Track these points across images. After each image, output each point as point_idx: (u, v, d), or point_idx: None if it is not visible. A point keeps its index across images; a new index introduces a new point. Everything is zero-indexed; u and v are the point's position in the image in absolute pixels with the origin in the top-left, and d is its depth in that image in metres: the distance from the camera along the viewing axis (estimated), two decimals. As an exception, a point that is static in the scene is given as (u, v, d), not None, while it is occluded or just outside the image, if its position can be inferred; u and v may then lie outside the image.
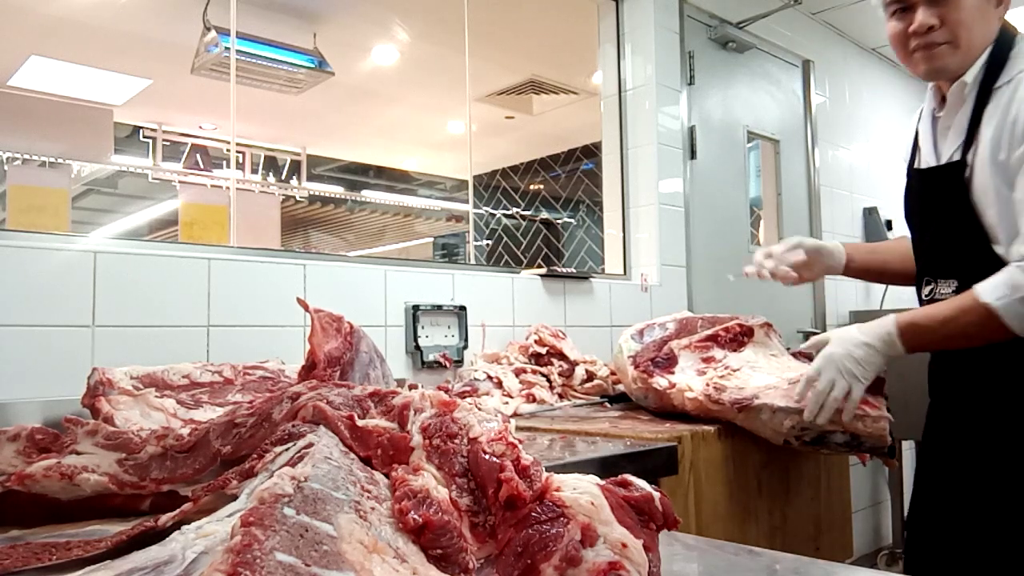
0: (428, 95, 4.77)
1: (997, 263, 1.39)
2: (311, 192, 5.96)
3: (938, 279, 1.53)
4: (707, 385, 1.63)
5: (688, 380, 1.70)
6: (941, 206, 1.51)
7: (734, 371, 1.71)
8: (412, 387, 0.83)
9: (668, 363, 1.76)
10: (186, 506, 0.67)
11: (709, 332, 1.83)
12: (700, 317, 1.91)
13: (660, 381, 1.71)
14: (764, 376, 1.68)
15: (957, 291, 1.46)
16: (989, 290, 1.34)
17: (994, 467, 1.46)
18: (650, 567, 0.60)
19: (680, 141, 3.00)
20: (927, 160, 1.56)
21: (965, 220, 1.44)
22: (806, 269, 1.73)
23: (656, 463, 1.34)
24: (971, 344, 1.41)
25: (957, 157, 1.46)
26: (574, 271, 2.61)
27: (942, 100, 1.53)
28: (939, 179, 1.51)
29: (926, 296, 1.57)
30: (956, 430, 1.55)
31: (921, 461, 1.63)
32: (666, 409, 1.74)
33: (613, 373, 2.12)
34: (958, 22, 1.43)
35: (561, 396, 2.03)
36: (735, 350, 1.79)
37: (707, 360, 1.76)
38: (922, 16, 1.45)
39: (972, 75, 1.45)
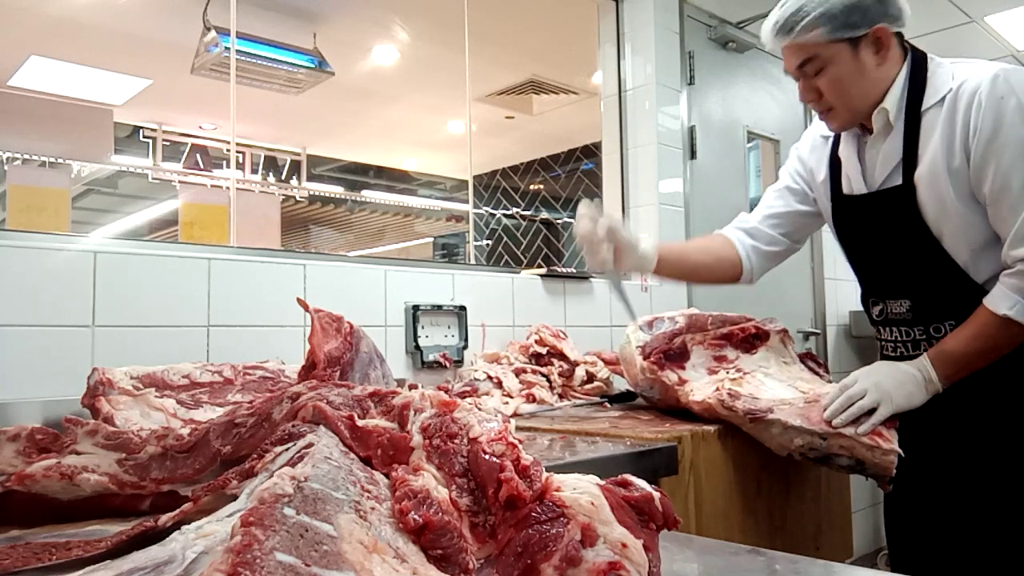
0: (428, 95, 4.78)
1: (953, 277, 1.44)
2: (311, 192, 5.96)
3: (887, 299, 1.57)
4: (719, 389, 1.60)
5: (699, 378, 1.68)
6: (891, 230, 1.52)
7: (746, 374, 1.70)
8: (412, 387, 0.83)
9: (680, 357, 1.74)
10: (186, 506, 0.67)
11: (724, 331, 1.80)
12: (709, 315, 1.88)
13: (670, 375, 1.69)
14: (777, 385, 1.66)
15: (911, 310, 1.52)
16: (999, 301, 1.37)
17: (965, 459, 1.49)
18: (650, 567, 0.60)
19: (680, 141, 3.00)
20: (857, 186, 1.57)
21: (921, 240, 1.47)
22: (616, 259, 1.74)
23: (656, 463, 1.34)
24: (1002, 354, 1.42)
25: (898, 181, 1.48)
26: (574, 271, 2.60)
27: (862, 127, 1.55)
28: (885, 204, 1.52)
29: (878, 316, 1.61)
30: (926, 426, 1.55)
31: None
32: (670, 404, 1.72)
33: (610, 363, 2.11)
34: (833, 91, 1.47)
35: (561, 396, 2.03)
36: (748, 351, 1.77)
37: (719, 359, 1.74)
38: (801, 90, 1.52)
39: (892, 102, 1.46)
